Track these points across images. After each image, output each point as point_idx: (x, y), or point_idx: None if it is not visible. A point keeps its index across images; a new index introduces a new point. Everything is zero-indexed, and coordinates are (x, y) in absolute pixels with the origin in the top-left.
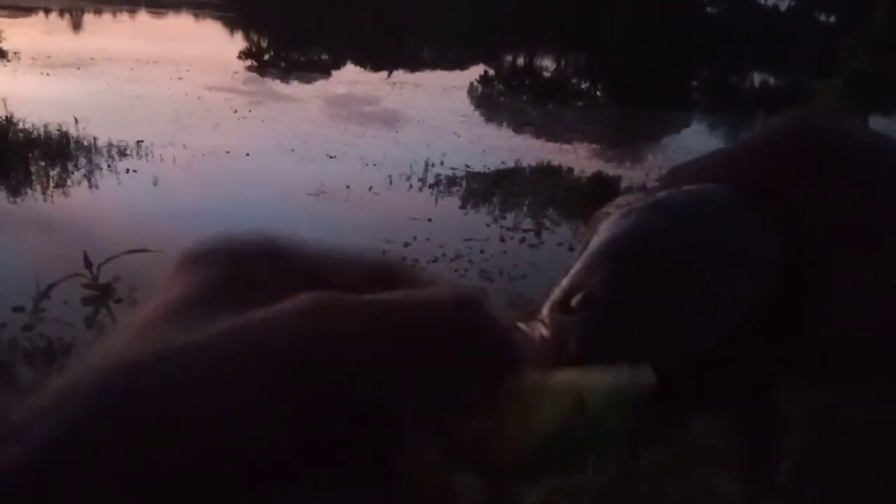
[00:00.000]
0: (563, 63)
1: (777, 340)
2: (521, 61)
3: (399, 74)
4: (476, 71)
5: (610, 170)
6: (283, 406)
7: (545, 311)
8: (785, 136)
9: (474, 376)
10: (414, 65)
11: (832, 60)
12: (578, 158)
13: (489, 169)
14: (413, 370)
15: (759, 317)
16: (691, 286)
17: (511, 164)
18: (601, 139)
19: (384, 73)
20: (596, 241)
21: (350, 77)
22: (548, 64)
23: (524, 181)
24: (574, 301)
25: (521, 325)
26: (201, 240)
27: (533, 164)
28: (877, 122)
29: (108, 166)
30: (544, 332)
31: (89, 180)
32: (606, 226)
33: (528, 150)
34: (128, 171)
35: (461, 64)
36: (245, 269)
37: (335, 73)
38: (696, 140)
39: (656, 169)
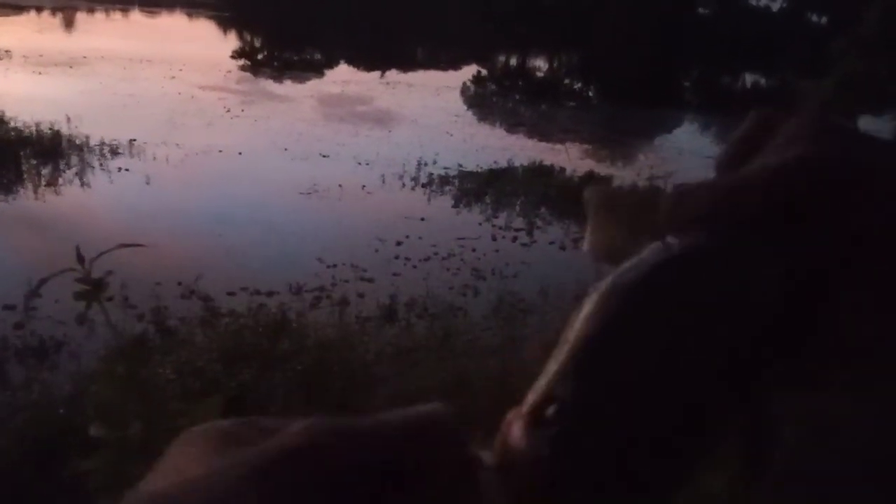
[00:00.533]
0: (555, 63)
1: (776, 360)
2: (513, 62)
3: (392, 74)
4: (469, 71)
5: (602, 169)
6: None
7: (524, 413)
8: (806, 167)
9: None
10: (407, 65)
11: (823, 62)
12: (570, 158)
13: (482, 168)
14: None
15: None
16: (665, 398)
17: (503, 163)
18: (593, 139)
19: (377, 73)
20: (573, 335)
21: (343, 77)
22: (540, 64)
23: (516, 181)
24: (548, 412)
25: (483, 453)
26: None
27: (525, 163)
28: (867, 123)
29: (101, 165)
30: (517, 443)
31: (81, 179)
32: (586, 313)
33: (520, 149)
34: (120, 169)
35: (454, 64)
36: None
37: (328, 72)
38: (687, 140)
39: (647, 168)
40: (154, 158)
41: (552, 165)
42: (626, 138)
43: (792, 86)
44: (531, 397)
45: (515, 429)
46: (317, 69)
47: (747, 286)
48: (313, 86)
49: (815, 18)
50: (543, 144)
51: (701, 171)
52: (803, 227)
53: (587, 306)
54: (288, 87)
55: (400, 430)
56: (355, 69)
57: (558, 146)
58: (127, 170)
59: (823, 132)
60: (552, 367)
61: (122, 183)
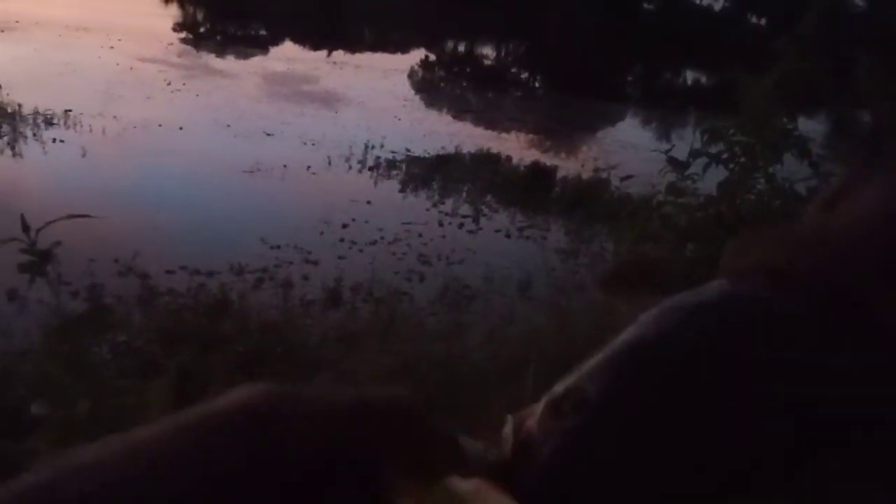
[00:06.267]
0: (503, 51)
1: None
2: (462, 48)
3: (339, 54)
4: (417, 55)
5: (547, 160)
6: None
7: (542, 403)
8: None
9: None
10: (354, 45)
11: (762, 61)
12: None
13: (429, 154)
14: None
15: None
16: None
17: (451, 149)
18: (539, 129)
19: (324, 53)
20: (618, 341)
21: (289, 54)
22: (488, 52)
23: (463, 167)
24: (567, 404)
25: (464, 439)
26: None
27: (472, 150)
28: (802, 124)
29: (34, 135)
30: (532, 429)
31: (13, 148)
32: (637, 325)
33: (467, 136)
34: (55, 140)
35: (402, 47)
36: None
37: (273, 49)
38: (629, 133)
39: (591, 160)
40: (90, 130)
41: (499, 153)
42: (570, 129)
43: (731, 83)
44: (556, 389)
45: (533, 417)
46: (261, 45)
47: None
48: (257, 62)
49: (754, 19)
50: (490, 132)
51: (643, 165)
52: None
53: (642, 318)
54: (231, 63)
55: (356, 408)
56: (301, 47)
57: (505, 134)
58: (62, 141)
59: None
60: (586, 364)
61: (56, 154)
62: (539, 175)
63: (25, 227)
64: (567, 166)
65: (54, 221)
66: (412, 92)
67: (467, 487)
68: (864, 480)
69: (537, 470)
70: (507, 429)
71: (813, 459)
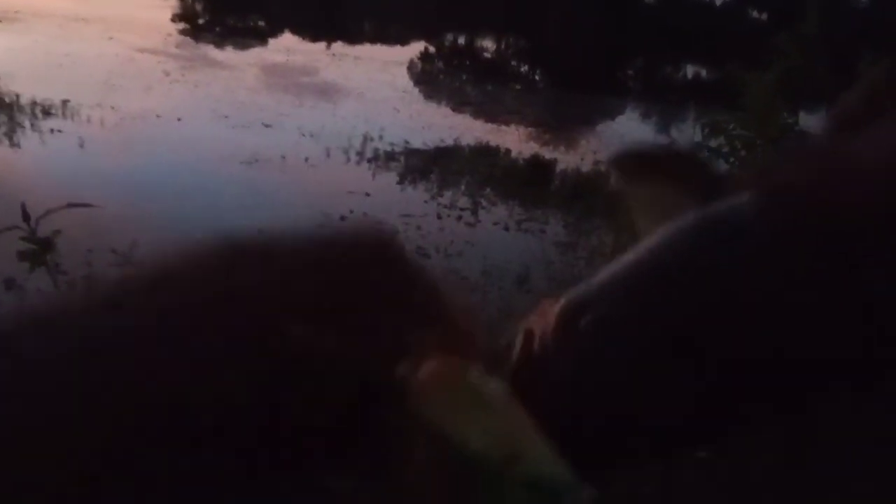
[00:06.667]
0: (503, 45)
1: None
2: (461, 41)
3: (338, 46)
4: (417, 47)
5: (546, 153)
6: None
7: (558, 306)
8: None
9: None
10: (354, 37)
11: (763, 57)
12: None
13: (428, 146)
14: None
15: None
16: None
17: (450, 142)
18: (538, 122)
19: (323, 44)
20: (640, 253)
21: (288, 45)
22: (488, 45)
23: (462, 160)
24: (584, 322)
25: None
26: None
27: (471, 143)
28: (804, 119)
29: (32, 125)
30: (546, 337)
31: (10, 138)
32: (657, 237)
33: (466, 129)
34: (52, 130)
35: (402, 39)
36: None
37: (272, 41)
38: (629, 127)
39: (591, 153)
40: (88, 121)
41: (498, 146)
42: (569, 123)
43: (732, 78)
44: (568, 297)
45: (545, 324)
46: (260, 37)
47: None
48: (256, 54)
49: (755, 14)
50: (489, 125)
51: None
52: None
53: (662, 231)
54: (230, 54)
55: (333, 239)
56: (300, 39)
57: (504, 127)
58: (60, 131)
59: None
60: (600, 275)
61: (54, 145)
62: (538, 168)
63: (26, 216)
64: (566, 160)
65: (55, 210)
66: (411, 84)
67: (494, 387)
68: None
69: (551, 386)
70: (516, 337)
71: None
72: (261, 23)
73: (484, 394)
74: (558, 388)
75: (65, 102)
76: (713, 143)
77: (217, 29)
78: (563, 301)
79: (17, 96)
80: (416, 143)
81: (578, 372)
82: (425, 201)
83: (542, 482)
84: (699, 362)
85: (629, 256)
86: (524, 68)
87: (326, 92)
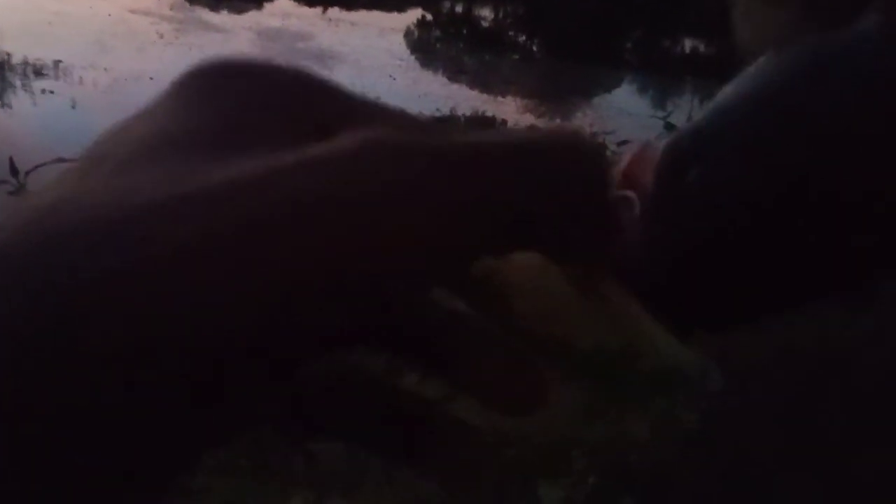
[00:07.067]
0: (500, 14)
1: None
2: (459, 9)
3: (335, 11)
4: (414, 14)
5: (543, 124)
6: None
7: (657, 153)
8: None
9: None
10: (350, 2)
11: None
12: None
13: (424, 115)
14: (503, 220)
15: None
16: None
17: (446, 111)
18: (535, 93)
19: (319, 9)
20: (749, 81)
21: (283, 10)
22: (486, 13)
23: (458, 130)
24: (692, 175)
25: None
26: (212, 61)
27: (468, 113)
28: None
29: (23, 85)
30: (649, 183)
31: (1, 99)
32: (770, 66)
33: (463, 98)
34: (44, 91)
35: (399, 6)
36: (270, 102)
37: (267, 5)
38: (625, 101)
39: (588, 126)
40: (81, 82)
41: (494, 116)
42: (566, 94)
43: (730, 52)
44: (670, 142)
45: (642, 176)
46: (256, 0)
47: None
48: (251, 17)
49: None
50: (486, 95)
51: (640, 131)
52: None
53: (773, 60)
54: (225, 17)
55: (525, 147)
56: (296, 3)
57: (501, 98)
58: (52, 92)
59: None
60: (705, 112)
61: (46, 106)
62: None
63: (14, 170)
64: None
65: (43, 165)
66: (408, 52)
67: (594, 276)
68: None
69: (653, 257)
70: (616, 168)
71: None
72: None
73: (586, 286)
74: (663, 257)
75: (57, 63)
76: None
77: None
78: (663, 147)
79: (9, 55)
80: (413, 112)
81: (687, 237)
82: None
83: (668, 374)
84: (819, 217)
85: (736, 88)
86: (522, 38)
87: (322, 58)
